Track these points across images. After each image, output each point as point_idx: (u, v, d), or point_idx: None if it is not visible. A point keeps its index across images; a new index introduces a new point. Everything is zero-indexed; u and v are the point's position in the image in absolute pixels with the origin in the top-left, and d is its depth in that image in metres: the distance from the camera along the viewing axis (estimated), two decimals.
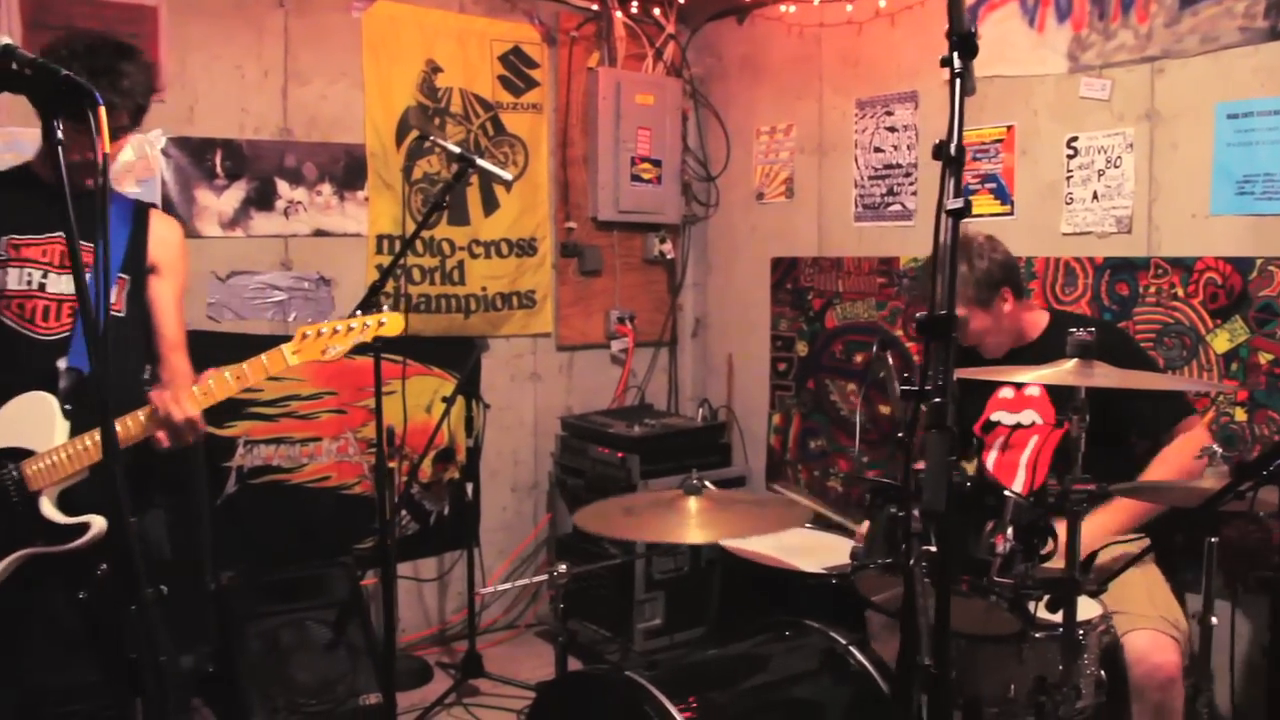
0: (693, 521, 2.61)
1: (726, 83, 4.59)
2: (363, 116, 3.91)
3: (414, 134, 4.00)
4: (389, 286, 3.98)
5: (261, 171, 3.74)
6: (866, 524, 2.41)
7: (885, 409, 3.97)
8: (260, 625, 3.48)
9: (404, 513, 4.07)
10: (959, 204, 1.53)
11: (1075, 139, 3.41)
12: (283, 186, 3.79)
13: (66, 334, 2.31)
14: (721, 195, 4.64)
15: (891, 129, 3.93)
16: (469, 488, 3.72)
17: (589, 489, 4.08)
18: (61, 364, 2.26)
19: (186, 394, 2.29)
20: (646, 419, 4.08)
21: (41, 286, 2.30)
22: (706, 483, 2.70)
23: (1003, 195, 3.60)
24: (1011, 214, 3.58)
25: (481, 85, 4.15)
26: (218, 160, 3.67)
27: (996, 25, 3.59)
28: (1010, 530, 2.18)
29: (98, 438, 2.17)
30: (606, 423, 4.09)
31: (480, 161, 2.73)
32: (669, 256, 4.56)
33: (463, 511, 4.08)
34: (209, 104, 3.64)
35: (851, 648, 2.58)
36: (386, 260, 3.98)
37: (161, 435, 2.27)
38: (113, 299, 2.37)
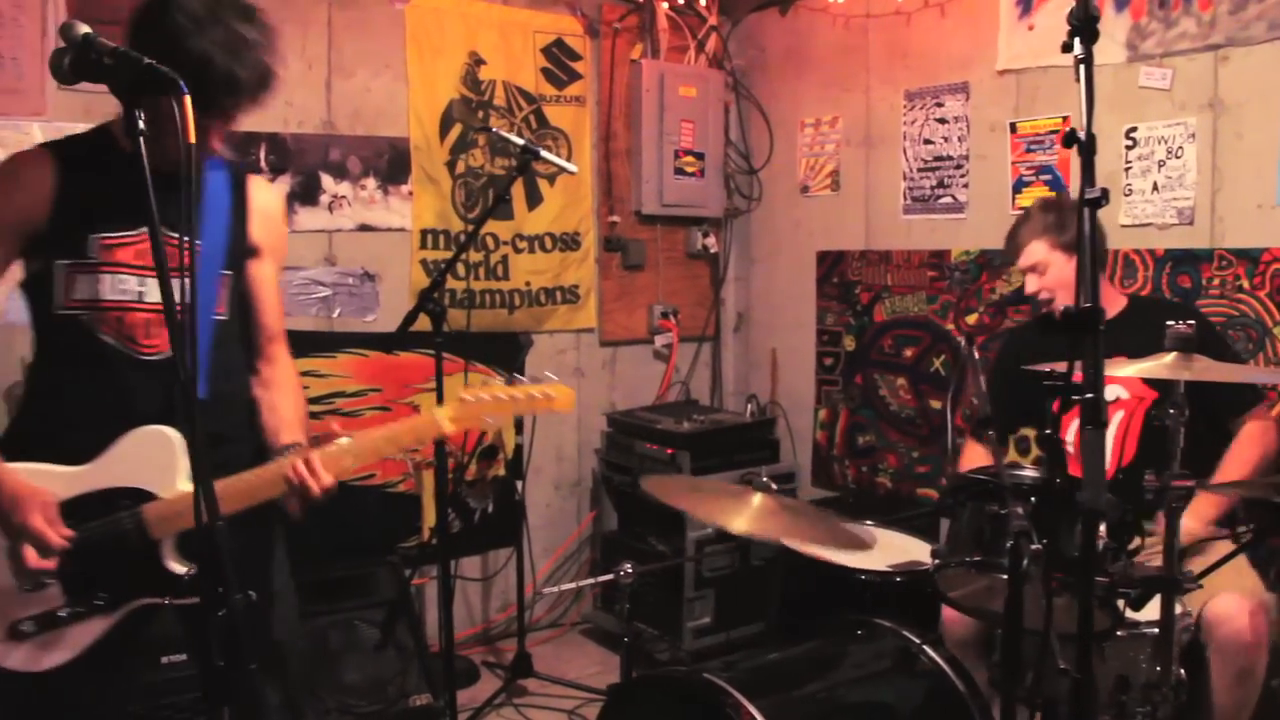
0: (751, 514, 2.57)
1: (769, 74, 4.54)
2: (406, 109, 3.87)
3: (458, 127, 3.96)
4: (428, 283, 3.96)
5: (306, 166, 3.70)
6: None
7: (937, 403, 3.93)
8: (308, 625, 3.45)
9: (449, 511, 4.03)
10: (1096, 194, 1.47)
11: (1134, 129, 3.35)
12: (327, 181, 3.75)
13: (158, 355, 1.99)
14: (764, 188, 4.58)
15: (942, 120, 3.88)
16: (519, 485, 3.68)
17: (637, 485, 4.03)
18: (176, 386, 1.92)
19: (327, 460, 1.97)
20: (695, 414, 4.03)
21: (140, 296, 1.97)
22: (773, 484, 2.66)
23: (1058, 186, 3.55)
24: None
25: (524, 78, 4.10)
26: (262, 155, 3.63)
27: (1051, 14, 3.54)
28: (1103, 526, 2.13)
29: (227, 492, 1.87)
30: (654, 418, 4.04)
31: (545, 153, 2.68)
32: (713, 250, 4.51)
33: (506, 509, 4.03)
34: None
35: (925, 646, 2.54)
36: (431, 255, 3.95)
37: (293, 505, 1.98)
38: (217, 303, 2.06)
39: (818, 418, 4.37)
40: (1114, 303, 2.90)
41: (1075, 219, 2.73)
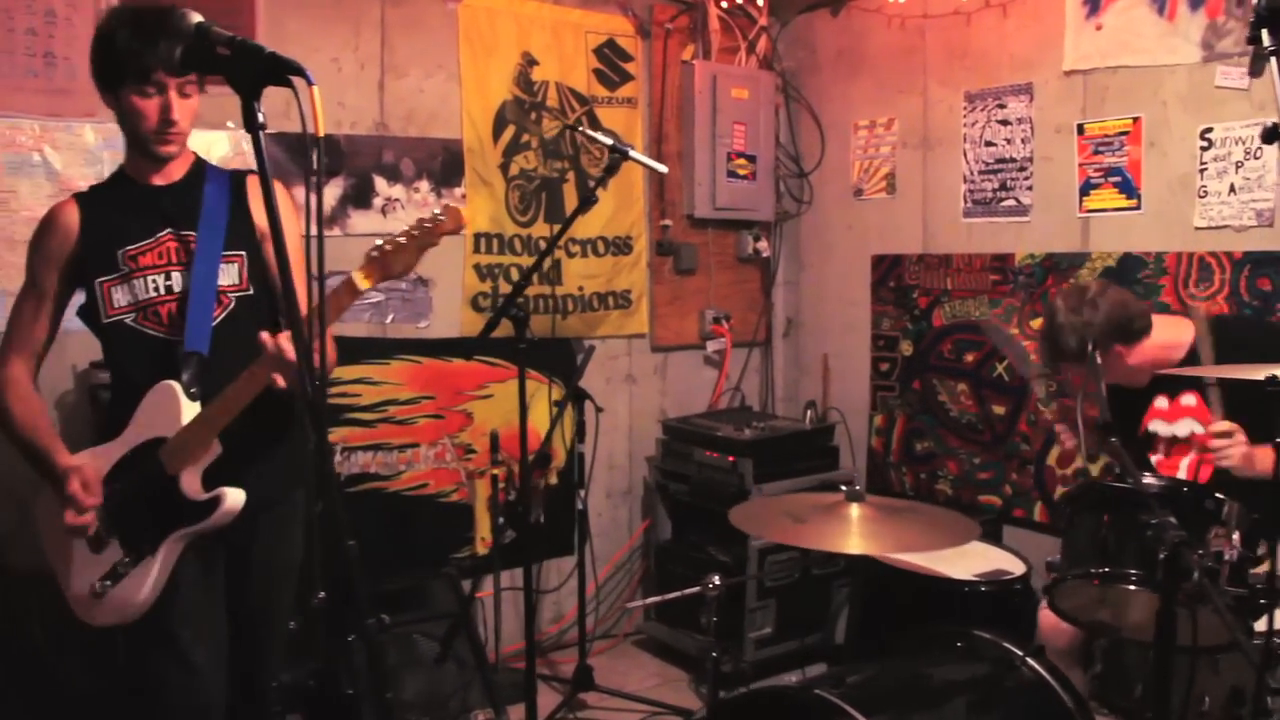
0: (855, 531, 2.50)
1: (820, 76, 4.48)
2: (460, 110, 3.79)
3: (511, 128, 3.89)
4: (487, 287, 3.89)
5: (359, 168, 3.62)
6: None
7: (1000, 409, 3.86)
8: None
9: (501, 521, 3.94)
10: None
11: (1210, 130, 3.29)
12: (380, 183, 3.67)
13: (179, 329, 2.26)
14: (815, 191, 4.52)
15: (1004, 122, 3.82)
16: (581, 495, 3.60)
17: (694, 494, 3.96)
18: (186, 359, 2.22)
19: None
20: (754, 421, 3.96)
21: (169, 290, 2.27)
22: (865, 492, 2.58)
23: (1128, 189, 3.49)
24: (1138, 208, 3.46)
25: (577, 79, 4.03)
26: (315, 156, 3.54)
27: (1121, 14, 3.48)
28: (1236, 536, 2.07)
29: (215, 409, 2.15)
30: (712, 425, 3.96)
31: (633, 153, 2.61)
32: (764, 254, 4.44)
33: (558, 519, 3.95)
34: (306, 98, 3.51)
35: (1028, 659, 2.47)
36: (484, 260, 3.87)
37: (277, 376, 2.12)
38: (234, 279, 2.31)
39: (873, 424, 4.30)
40: (1175, 347, 2.73)
41: (1070, 342, 2.65)
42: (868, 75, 4.27)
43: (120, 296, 2.24)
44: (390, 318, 3.73)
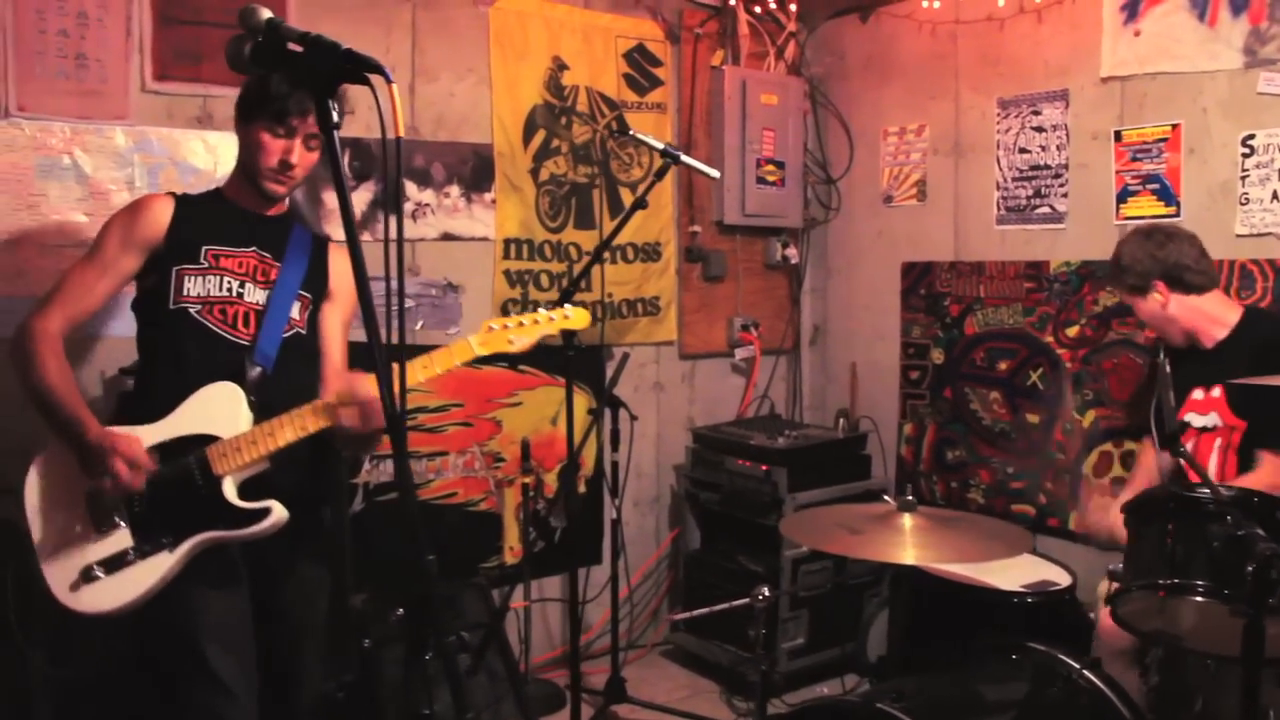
0: (909, 541, 2.46)
1: (848, 82, 4.45)
2: (490, 115, 3.76)
3: (541, 133, 3.85)
4: (516, 293, 3.85)
5: (389, 172, 3.57)
6: None
7: (1034, 417, 3.82)
8: (395, 650, 3.30)
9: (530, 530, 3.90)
10: None
11: (1252, 137, 3.27)
12: (410, 188, 3.63)
13: (247, 342, 2.32)
14: (843, 198, 4.49)
15: (1039, 129, 3.79)
16: (615, 505, 3.55)
17: (725, 503, 3.92)
18: (252, 368, 2.27)
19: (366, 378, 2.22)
20: (786, 430, 3.92)
21: (239, 295, 2.32)
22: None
23: (1167, 196, 3.46)
24: (1177, 215, 3.43)
25: (607, 83, 4.00)
26: (346, 161, 3.51)
27: (1160, 20, 3.45)
28: None
29: (280, 425, 2.19)
30: (745, 434, 3.92)
31: (685, 158, 2.58)
32: (793, 261, 4.40)
33: (587, 528, 3.91)
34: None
35: (1085, 670, 2.43)
36: (514, 265, 3.83)
37: (349, 414, 2.19)
38: (299, 314, 2.40)
39: (902, 432, 4.26)
40: (1218, 323, 2.87)
41: (1129, 263, 2.86)
42: (898, 81, 4.25)
43: (193, 286, 2.27)
44: (420, 324, 3.68)
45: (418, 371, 2.29)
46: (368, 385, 2.16)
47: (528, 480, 3.66)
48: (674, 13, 4.14)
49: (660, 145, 2.65)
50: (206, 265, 2.29)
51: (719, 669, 3.90)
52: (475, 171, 3.73)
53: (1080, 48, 3.65)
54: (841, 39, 4.47)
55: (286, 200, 2.43)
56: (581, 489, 3.99)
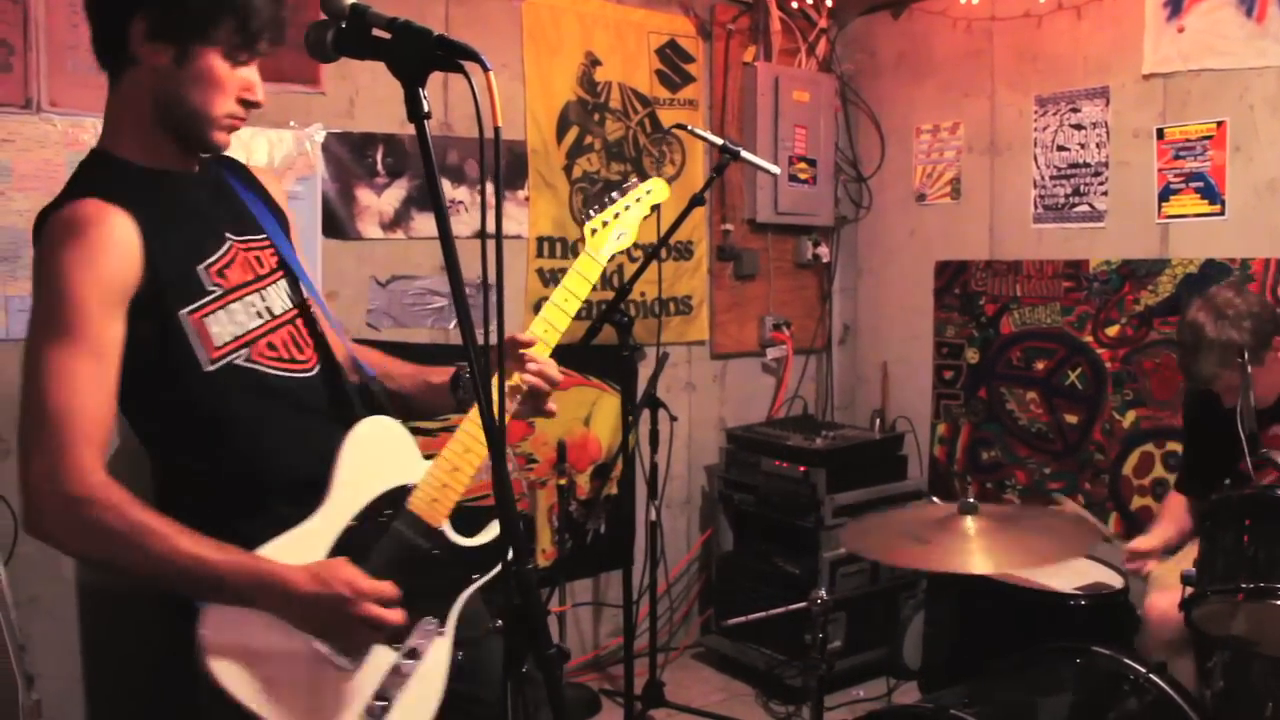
0: (976, 547, 2.41)
1: (880, 79, 4.41)
2: (524, 111, 3.70)
3: (574, 130, 3.80)
4: (549, 292, 3.78)
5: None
6: None
7: (1072, 418, 3.79)
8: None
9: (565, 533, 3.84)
10: None
11: None
12: (444, 185, 3.57)
13: (317, 366, 1.78)
14: (874, 196, 4.44)
15: (1078, 126, 3.75)
16: (655, 506, 3.50)
17: (760, 504, 3.87)
18: (345, 383, 1.83)
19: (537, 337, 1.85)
20: (823, 430, 3.87)
21: (270, 312, 1.73)
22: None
23: (1211, 194, 3.43)
24: (1222, 214, 3.40)
25: (639, 80, 3.95)
26: (379, 157, 3.45)
27: (1204, 16, 3.42)
28: None
29: (466, 444, 1.76)
30: (780, 434, 3.87)
31: (744, 154, 2.52)
32: (824, 259, 4.36)
33: (619, 530, 3.85)
34: (370, 97, 3.42)
35: (1152, 674, 2.39)
36: (547, 264, 3.78)
37: (547, 407, 1.85)
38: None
39: (935, 432, 4.22)
40: None
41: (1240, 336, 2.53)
42: (931, 78, 4.21)
43: (220, 329, 1.64)
44: (453, 323, 3.63)
45: (564, 312, 1.93)
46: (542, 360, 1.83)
47: (563, 482, 3.61)
48: (706, 8, 4.09)
49: (719, 141, 2.60)
50: (218, 291, 1.65)
51: (753, 672, 3.85)
52: (509, 168, 3.68)
53: (1121, 44, 3.61)
54: (872, 36, 4.43)
55: None
56: (614, 491, 3.93)
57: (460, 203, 3.61)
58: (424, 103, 1.55)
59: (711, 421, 4.21)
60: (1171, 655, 2.67)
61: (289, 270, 1.80)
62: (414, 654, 1.69)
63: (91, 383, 1.51)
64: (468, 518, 1.82)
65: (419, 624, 1.70)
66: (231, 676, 1.56)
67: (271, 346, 1.71)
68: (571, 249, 3.81)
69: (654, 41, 3.98)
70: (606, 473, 3.92)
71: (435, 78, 3.81)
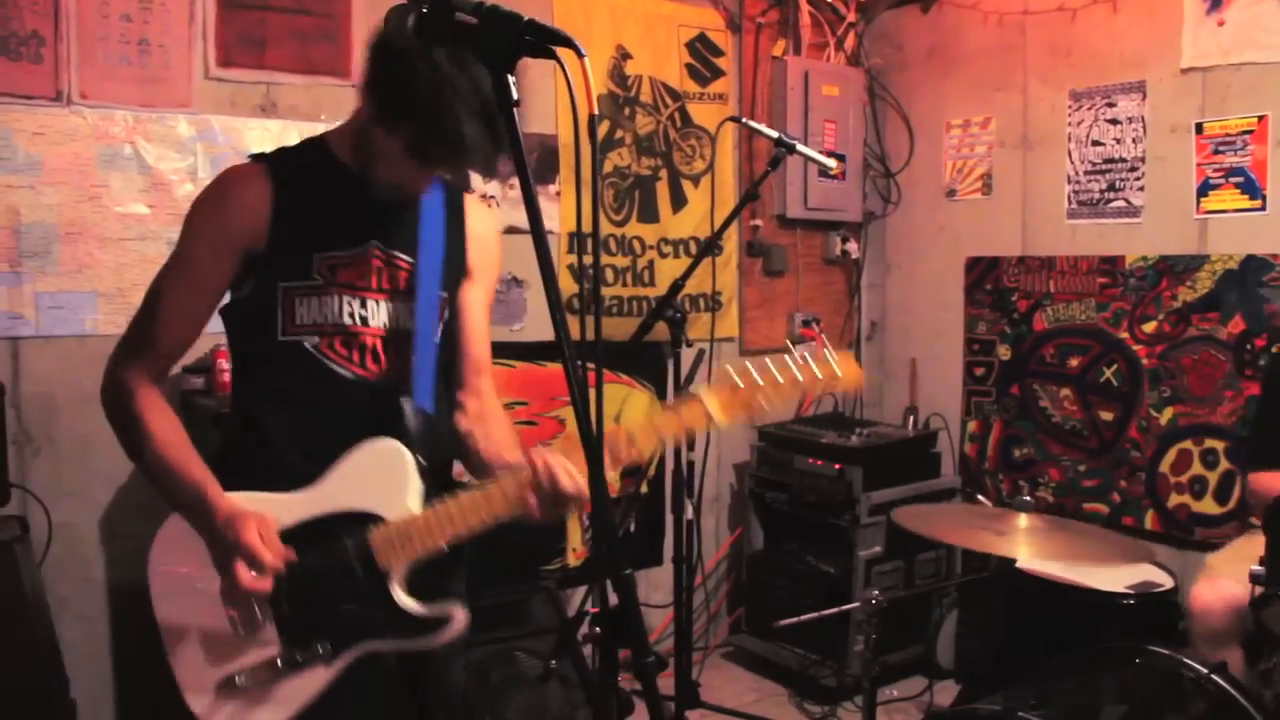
0: (1024, 541, 2.41)
1: (908, 74, 4.37)
2: (555, 104, 3.65)
3: (605, 124, 3.75)
4: (576, 289, 3.74)
5: None
6: None
7: (1108, 415, 3.76)
8: (466, 656, 3.20)
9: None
10: None
11: None
12: (476, 179, 3.51)
13: (381, 378, 1.81)
14: (903, 192, 4.41)
15: (1114, 121, 3.72)
16: (689, 505, 3.45)
17: (794, 503, 3.83)
18: (405, 405, 1.78)
19: (571, 457, 1.71)
20: (857, 428, 3.84)
21: (364, 320, 1.80)
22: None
23: (1252, 190, 3.40)
24: (1263, 209, 3.38)
25: (669, 74, 3.90)
26: None
27: (1246, 9, 3.39)
28: None
29: (464, 510, 1.70)
30: (814, 432, 3.83)
31: (801, 147, 2.48)
32: (854, 255, 4.32)
33: (649, 529, 3.81)
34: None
35: (1213, 675, 2.36)
36: (578, 260, 3.73)
37: (533, 503, 1.71)
38: (438, 326, 1.86)
39: (966, 430, 4.19)
40: None
41: None
42: (961, 73, 4.17)
43: (306, 312, 1.76)
44: (518, 325, 3.60)
45: (637, 446, 1.75)
46: (577, 472, 1.69)
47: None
48: (735, 2, 4.04)
49: (775, 134, 2.56)
50: (320, 282, 1.76)
51: (785, 672, 3.81)
52: (540, 163, 3.63)
53: (1159, 38, 3.58)
54: (900, 30, 4.39)
55: None
56: (644, 490, 3.89)
57: (491, 197, 3.56)
58: (513, 90, 1.49)
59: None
60: (1215, 648, 2.65)
61: (415, 297, 1.82)
62: (292, 663, 1.71)
63: (181, 309, 1.76)
64: (430, 578, 1.75)
65: (313, 642, 1.71)
66: (157, 580, 1.78)
67: (345, 345, 1.79)
68: (603, 244, 3.77)
69: (684, 35, 3.94)
70: (636, 471, 3.88)
71: None
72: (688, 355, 3.36)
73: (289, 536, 1.69)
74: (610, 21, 3.76)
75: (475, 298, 1.95)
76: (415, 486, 1.74)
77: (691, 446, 3.48)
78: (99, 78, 2.98)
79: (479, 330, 1.96)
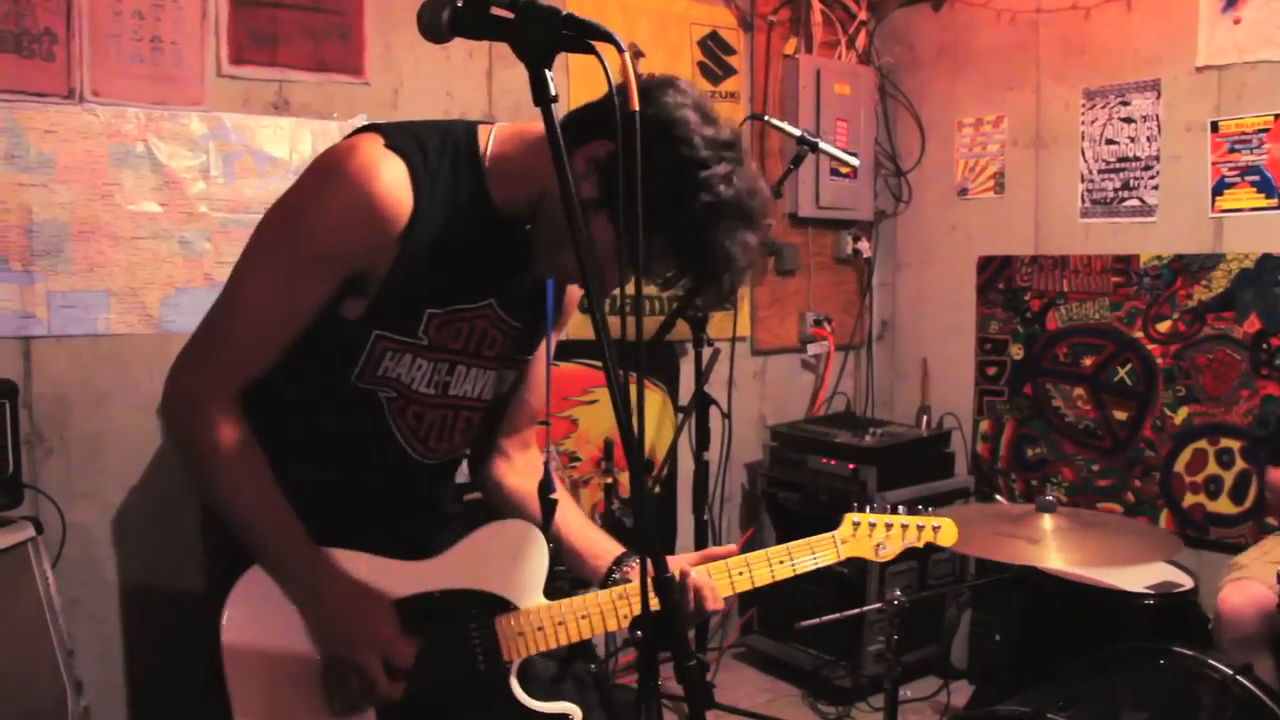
0: (1053, 544, 2.39)
1: (919, 72, 4.35)
2: (568, 102, 3.63)
3: None
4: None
5: None
6: None
7: (1122, 414, 3.75)
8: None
9: None
10: None
11: None
12: None
13: (436, 459, 1.66)
14: (914, 191, 4.39)
15: (1128, 120, 3.71)
16: (705, 505, 3.44)
17: (807, 503, 3.81)
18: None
19: (716, 577, 1.72)
20: (870, 428, 3.82)
21: (444, 388, 1.61)
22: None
23: (1268, 188, 3.39)
24: (1279, 208, 3.36)
25: (682, 71, 3.88)
26: None
27: (1262, 7, 3.38)
28: None
29: (601, 605, 1.68)
30: (827, 432, 3.81)
31: (823, 145, 2.46)
32: (865, 254, 4.30)
33: (662, 529, 3.80)
34: (414, 87, 3.34)
35: (1239, 676, 2.35)
36: None
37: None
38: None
39: (978, 429, 4.18)
40: None
41: None
42: (973, 72, 4.16)
43: (391, 365, 1.56)
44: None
45: (768, 574, 1.84)
46: (720, 592, 1.71)
47: (609, 480, 3.55)
48: (747, 0, 4.03)
49: (797, 132, 2.55)
50: (423, 343, 1.55)
51: (798, 672, 3.80)
52: None
53: (1173, 36, 3.57)
54: (911, 29, 4.37)
55: None
56: (656, 489, 3.87)
57: None
58: (550, 85, 1.45)
59: (752, 418, 4.16)
60: (1245, 653, 2.64)
61: (510, 364, 1.69)
62: None
63: (273, 325, 1.50)
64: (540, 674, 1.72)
65: None
66: (234, 664, 1.50)
67: (418, 418, 1.61)
68: None
69: (696, 33, 3.92)
70: (649, 471, 3.86)
71: (479, 70, 3.72)
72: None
73: (405, 610, 1.55)
74: (623, 19, 3.74)
75: (542, 349, 1.80)
76: (542, 573, 1.65)
77: (706, 446, 3.47)
78: (111, 75, 2.95)
79: (539, 376, 1.84)
